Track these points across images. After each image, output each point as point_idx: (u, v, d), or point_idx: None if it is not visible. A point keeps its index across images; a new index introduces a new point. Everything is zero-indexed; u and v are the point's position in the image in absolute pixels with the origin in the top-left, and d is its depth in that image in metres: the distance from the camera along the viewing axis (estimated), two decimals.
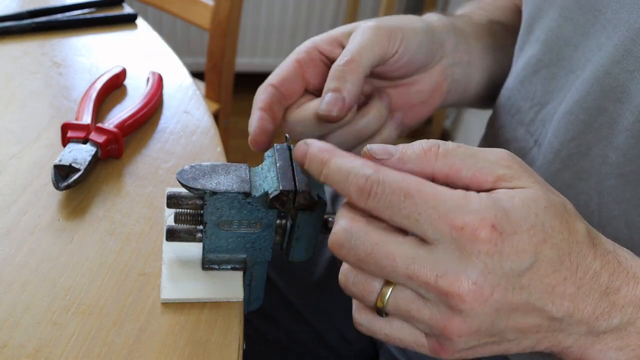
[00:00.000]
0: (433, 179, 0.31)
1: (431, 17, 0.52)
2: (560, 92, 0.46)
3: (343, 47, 0.46)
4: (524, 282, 0.30)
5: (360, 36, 0.44)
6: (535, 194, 0.31)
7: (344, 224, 0.32)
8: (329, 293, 0.63)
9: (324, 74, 0.46)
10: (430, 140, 0.32)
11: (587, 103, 0.43)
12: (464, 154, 0.32)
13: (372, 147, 0.33)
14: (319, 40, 0.47)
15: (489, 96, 0.58)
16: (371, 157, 0.32)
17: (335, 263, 0.63)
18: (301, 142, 0.34)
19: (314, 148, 0.33)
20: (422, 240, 0.30)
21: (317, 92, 0.46)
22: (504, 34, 0.57)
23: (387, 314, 0.32)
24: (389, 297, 0.31)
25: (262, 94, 0.45)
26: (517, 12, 0.60)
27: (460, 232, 0.29)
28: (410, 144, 0.33)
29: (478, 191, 0.31)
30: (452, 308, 0.30)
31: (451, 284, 0.29)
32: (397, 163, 0.32)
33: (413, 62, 0.47)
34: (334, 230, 0.32)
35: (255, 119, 0.45)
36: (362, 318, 0.34)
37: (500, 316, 0.31)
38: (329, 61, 0.46)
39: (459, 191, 0.30)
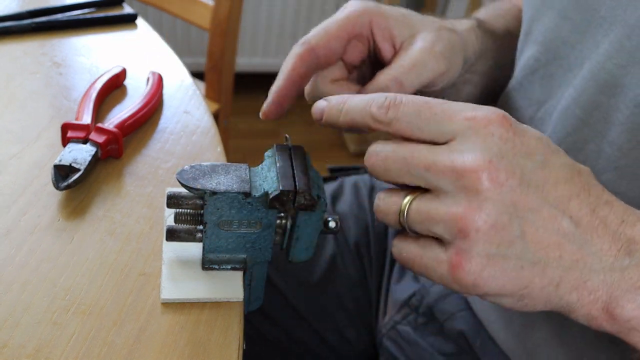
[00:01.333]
0: None
1: (466, 26, 0.51)
2: (559, 90, 0.46)
3: (394, 47, 0.45)
4: (539, 181, 0.31)
5: (417, 57, 0.43)
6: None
7: (373, 143, 0.35)
8: (329, 293, 0.63)
9: (362, 53, 0.45)
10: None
11: (582, 99, 0.43)
12: None
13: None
14: (376, 20, 0.44)
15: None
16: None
17: (335, 263, 0.63)
18: (321, 100, 0.37)
19: (333, 100, 0.37)
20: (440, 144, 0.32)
21: (348, 65, 0.46)
22: (514, 47, 0.57)
23: (409, 225, 0.33)
24: (411, 203, 0.33)
25: (296, 59, 0.43)
26: (520, 17, 0.61)
27: (473, 120, 0.31)
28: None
29: None
30: (468, 191, 0.31)
31: (466, 161, 0.30)
32: None
33: (441, 87, 0.47)
34: (367, 150, 0.35)
35: (277, 88, 0.44)
36: (395, 242, 0.36)
37: (518, 214, 0.31)
38: (373, 47, 0.45)
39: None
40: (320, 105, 0.37)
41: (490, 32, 0.54)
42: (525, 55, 0.51)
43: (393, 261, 0.64)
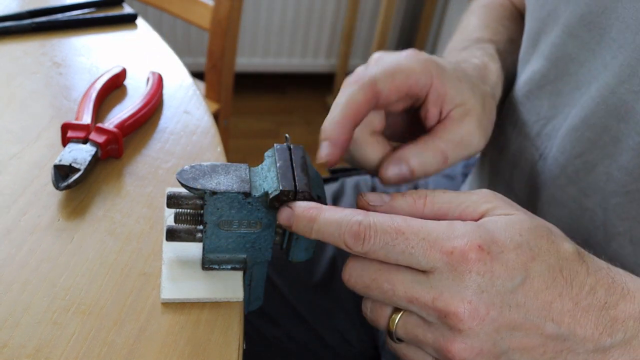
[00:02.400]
0: None
1: (494, 66, 0.51)
2: (566, 107, 0.46)
3: (441, 113, 0.42)
4: (520, 300, 0.31)
5: (465, 135, 0.41)
6: (518, 218, 0.33)
7: (351, 260, 0.35)
8: (329, 293, 0.63)
9: (404, 105, 0.43)
10: (420, 190, 0.36)
11: (592, 120, 0.43)
12: (450, 197, 0.35)
13: (368, 195, 0.36)
14: (435, 83, 0.41)
15: None
16: (366, 203, 0.36)
17: (335, 263, 0.63)
18: (284, 207, 0.36)
19: (299, 208, 0.35)
20: (419, 270, 0.32)
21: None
22: (513, 52, 0.57)
23: (398, 339, 0.34)
24: (398, 322, 0.34)
25: (357, 94, 0.40)
26: (519, 18, 0.60)
27: (450, 256, 0.31)
28: (401, 192, 0.36)
29: None
30: (452, 328, 0.31)
31: (447, 304, 0.31)
32: (389, 209, 0.35)
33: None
34: (344, 265, 0.35)
35: (339, 133, 0.39)
36: (389, 340, 0.36)
37: (502, 336, 0.31)
38: (418, 104, 0.43)
39: (444, 222, 0.33)
40: (286, 214, 0.35)
41: (501, 53, 0.54)
42: (531, 68, 0.51)
43: None
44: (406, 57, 0.42)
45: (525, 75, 0.52)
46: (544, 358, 0.32)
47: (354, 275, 0.34)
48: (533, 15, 0.51)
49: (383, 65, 0.41)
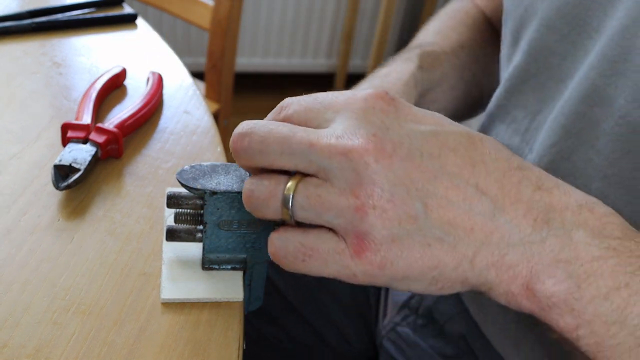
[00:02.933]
0: None
1: (403, 82, 0.52)
2: (552, 101, 0.47)
3: None
4: (433, 150, 0.29)
5: None
6: None
7: (245, 123, 0.32)
8: (329, 293, 0.63)
9: None
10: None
11: (566, 109, 0.43)
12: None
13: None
14: None
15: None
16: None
17: None
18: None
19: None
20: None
21: None
22: (463, 57, 0.58)
23: (296, 214, 0.30)
24: (297, 186, 0.30)
25: None
26: (480, 26, 0.61)
27: (354, 101, 0.30)
28: None
29: None
30: (357, 169, 0.28)
31: (351, 139, 0.28)
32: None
33: None
34: (234, 132, 0.32)
35: None
36: (275, 237, 0.32)
37: (416, 186, 0.28)
38: None
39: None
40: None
41: (438, 62, 0.55)
42: (513, 63, 0.51)
43: None
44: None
45: (507, 71, 0.52)
46: (472, 239, 0.28)
47: (249, 133, 0.31)
48: (511, 14, 0.51)
49: None
